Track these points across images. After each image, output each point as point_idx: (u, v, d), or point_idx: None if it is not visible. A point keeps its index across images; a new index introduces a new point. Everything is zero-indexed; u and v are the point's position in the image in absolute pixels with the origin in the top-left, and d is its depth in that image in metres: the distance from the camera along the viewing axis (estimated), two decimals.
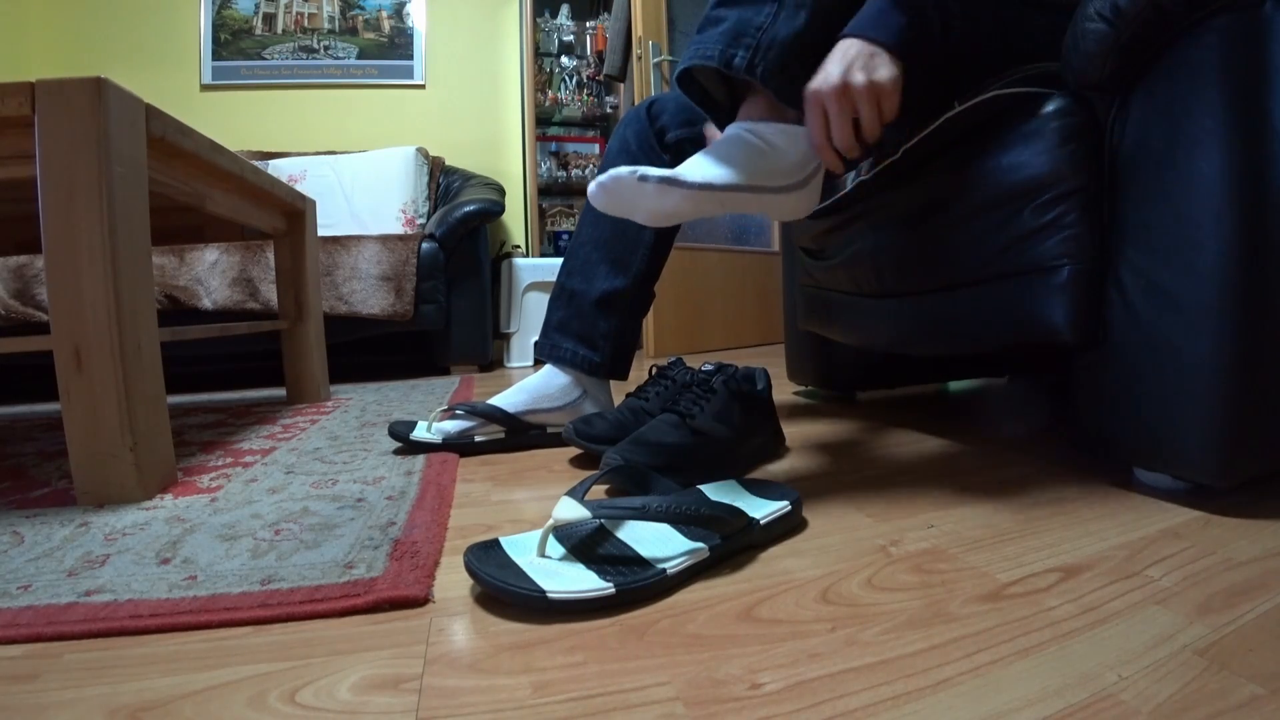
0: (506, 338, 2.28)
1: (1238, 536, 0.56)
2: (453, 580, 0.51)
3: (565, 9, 2.79)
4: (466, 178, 2.43)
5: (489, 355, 2.10)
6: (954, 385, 1.53)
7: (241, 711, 0.35)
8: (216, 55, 2.54)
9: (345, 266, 1.83)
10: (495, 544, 0.51)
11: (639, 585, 0.47)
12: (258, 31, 2.57)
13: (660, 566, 0.49)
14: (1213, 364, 0.59)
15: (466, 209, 1.98)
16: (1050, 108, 0.68)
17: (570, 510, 0.50)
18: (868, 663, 0.39)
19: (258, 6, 2.57)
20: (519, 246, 2.70)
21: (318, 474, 0.82)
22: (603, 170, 0.68)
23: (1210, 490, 0.66)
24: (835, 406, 1.29)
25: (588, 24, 2.83)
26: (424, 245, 1.90)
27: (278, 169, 2.28)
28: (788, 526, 0.60)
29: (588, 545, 0.52)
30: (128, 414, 0.70)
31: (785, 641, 0.41)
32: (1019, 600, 0.46)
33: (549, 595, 0.45)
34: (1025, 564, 0.52)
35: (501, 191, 2.28)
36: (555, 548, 0.51)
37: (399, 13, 2.66)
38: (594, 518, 0.50)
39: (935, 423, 1.09)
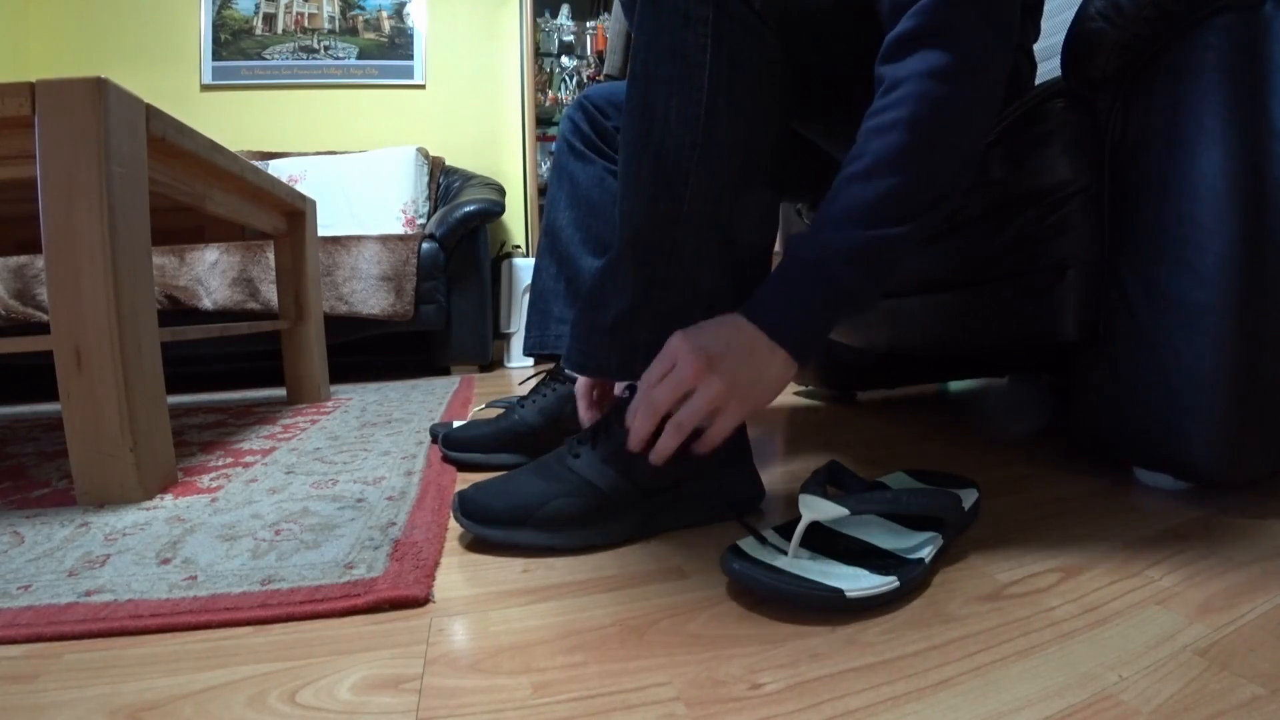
0: (506, 338, 2.28)
1: (1238, 536, 0.56)
2: (453, 580, 0.51)
3: (565, 9, 2.79)
4: (466, 178, 2.43)
5: (489, 355, 2.09)
6: (954, 385, 1.53)
7: (241, 711, 0.35)
8: (216, 55, 2.54)
9: (345, 266, 1.83)
10: (737, 548, 0.49)
11: (913, 576, 0.47)
12: (258, 31, 2.57)
13: (917, 556, 0.48)
14: (1213, 364, 0.59)
15: (467, 209, 1.98)
16: (1052, 110, 0.68)
17: (825, 508, 0.48)
18: (868, 663, 0.39)
19: (258, 6, 2.57)
20: (519, 246, 2.70)
21: (318, 474, 0.82)
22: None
23: (1210, 490, 0.67)
24: (835, 406, 1.29)
25: (588, 24, 2.83)
26: (424, 245, 1.90)
27: (278, 169, 2.28)
28: (978, 512, 0.60)
29: (828, 542, 0.51)
30: (128, 414, 0.70)
31: (786, 641, 0.41)
32: (1019, 600, 0.46)
33: (847, 595, 0.44)
34: (1025, 564, 0.52)
35: (502, 191, 2.28)
36: (797, 547, 0.49)
37: (399, 13, 2.66)
38: (851, 514, 0.48)
39: (935, 423, 1.09)
